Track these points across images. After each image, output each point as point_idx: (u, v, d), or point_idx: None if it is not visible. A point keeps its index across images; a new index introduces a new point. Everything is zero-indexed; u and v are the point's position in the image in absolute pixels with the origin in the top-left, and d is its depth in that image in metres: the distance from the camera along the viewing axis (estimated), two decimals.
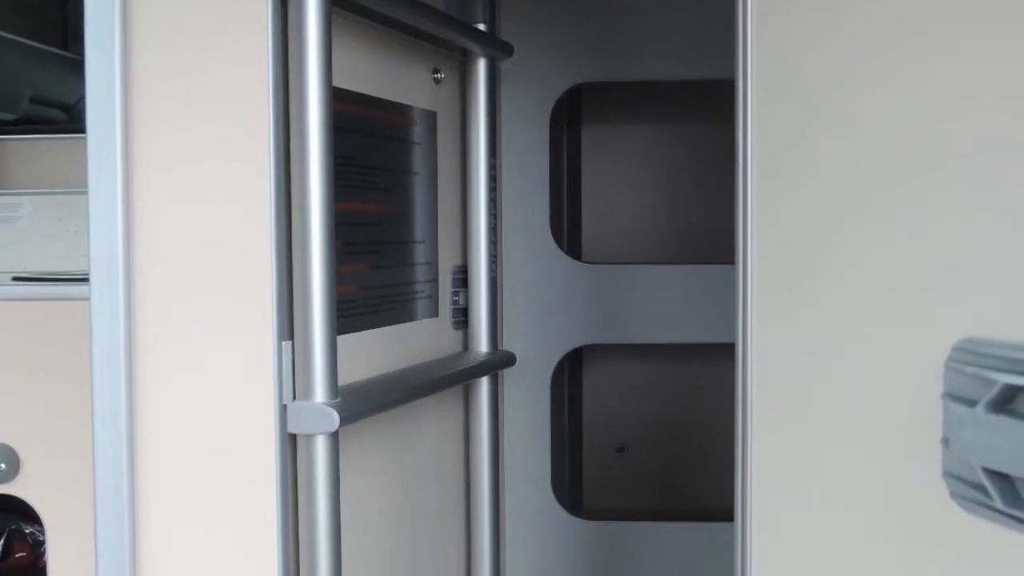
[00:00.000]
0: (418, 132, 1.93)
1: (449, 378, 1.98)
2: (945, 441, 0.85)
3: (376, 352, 1.78)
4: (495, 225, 2.09)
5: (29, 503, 1.86)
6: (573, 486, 2.62)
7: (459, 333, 2.08)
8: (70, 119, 2.23)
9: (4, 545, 2.14)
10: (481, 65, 2.05)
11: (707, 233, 2.54)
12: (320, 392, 1.50)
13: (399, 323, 1.85)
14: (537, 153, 2.31)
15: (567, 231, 2.54)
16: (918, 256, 0.95)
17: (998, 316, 0.84)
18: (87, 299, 1.45)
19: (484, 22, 2.05)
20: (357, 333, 1.71)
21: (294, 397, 1.50)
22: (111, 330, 1.45)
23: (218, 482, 1.48)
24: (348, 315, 1.67)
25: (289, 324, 1.51)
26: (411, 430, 1.90)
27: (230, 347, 1.47)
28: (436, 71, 1.99)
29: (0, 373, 1.86)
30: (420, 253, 1.93)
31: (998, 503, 0.79)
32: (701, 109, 2.60)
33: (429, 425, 1.97)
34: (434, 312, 1.98)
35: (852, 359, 1.05)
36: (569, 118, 2.58)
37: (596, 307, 2.34)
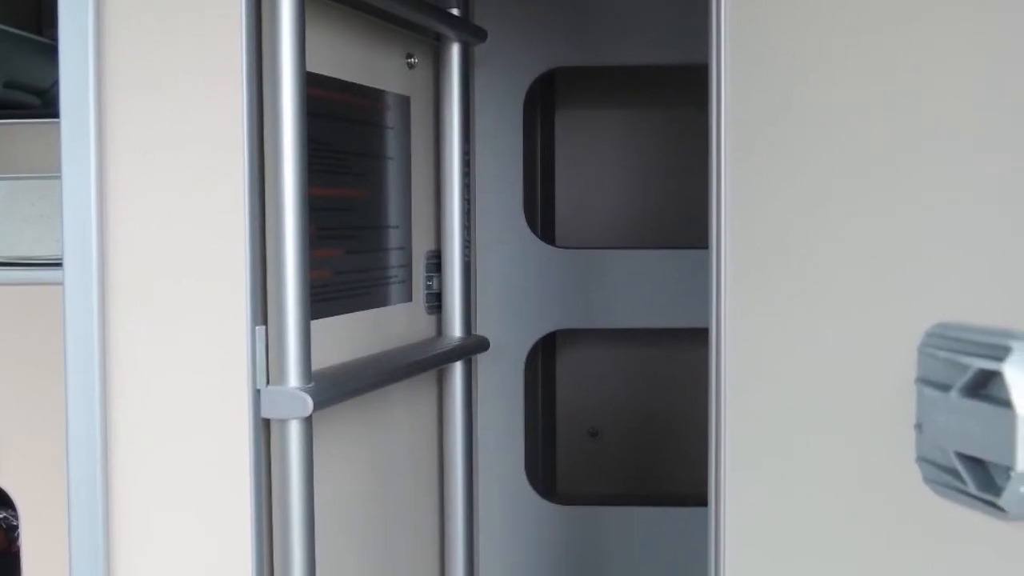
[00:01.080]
0: (392, 117, 1.93)
1: (423, 363, 1.98)
2: (919, 426, 0.86)
3: (350, 337, 1.77)
4: (469, 210, 2.09)
5: (2, 488, 1.85)
6: (546, 471, 2.62)
7: (432, 318, 2.08)
8: (44, 104, 2.21)
9: None
10: (455, 50, 2.05)
11: (681, 218, 2.54)
12: (294, 377, 1.50)
13: (373, 308, 1.85)
14: (511, 138, 2.31)
15: (541, 216, 2.53)
16: (892, 240, 0.95)
17: (972, 301, 0.85)
18: (60, 284, 1.45)
19: (457, 7, 2.05)
20: (331, 318, 1.71)
21: (267, 382, 1.50)
22: (84, 315, 1.45)
23: (192, 467, 1.48)
24: (322, 300, 1.67)
25: (263, 309, 1.50)
26: (385, 415, 1.90)
27: (204, 332, 1.47)
28: (410, 56, 1.99)
29: None
30: (394, 238, 1.93)
31: (972, 488, 0.80)
32: (675, 94, 2.60)
33: (403, 410, 1.97)
34: (407, 297, 1.98)
35: (825, 344, 1.05)
36: (543, 103, 2.57)
37: (570, 292, 2.35)
